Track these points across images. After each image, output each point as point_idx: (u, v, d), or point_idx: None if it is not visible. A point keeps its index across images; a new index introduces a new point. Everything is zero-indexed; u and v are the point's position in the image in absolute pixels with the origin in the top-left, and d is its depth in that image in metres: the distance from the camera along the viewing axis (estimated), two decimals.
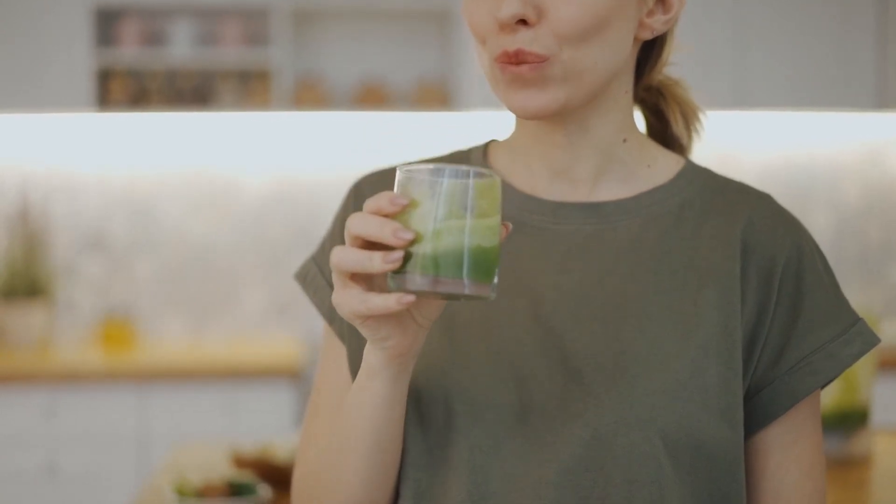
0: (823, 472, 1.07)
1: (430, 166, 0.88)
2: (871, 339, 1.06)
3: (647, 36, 1.05)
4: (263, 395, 3.84)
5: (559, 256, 1.06)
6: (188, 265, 4.37)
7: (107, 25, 4.14)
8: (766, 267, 1.03)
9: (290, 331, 4.39)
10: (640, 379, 0.99)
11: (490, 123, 4.17)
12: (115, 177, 4.32)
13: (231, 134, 4.35)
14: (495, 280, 0.89)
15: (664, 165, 1.10)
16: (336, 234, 1.14)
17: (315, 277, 1.15)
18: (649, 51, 1.11)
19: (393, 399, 0.98)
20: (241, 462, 2.26)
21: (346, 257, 0.88)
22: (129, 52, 4.09)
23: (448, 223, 0.86)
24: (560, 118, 1.05)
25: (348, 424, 1.01)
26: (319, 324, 4.15)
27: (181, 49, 4.16)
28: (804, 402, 1.05)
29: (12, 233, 4.19)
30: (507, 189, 1.10)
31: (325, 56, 4.35)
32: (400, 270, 0.87)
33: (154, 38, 4.18)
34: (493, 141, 1.16)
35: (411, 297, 0.87)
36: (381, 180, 1.14)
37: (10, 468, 3.77)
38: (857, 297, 4.59)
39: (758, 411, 1.04)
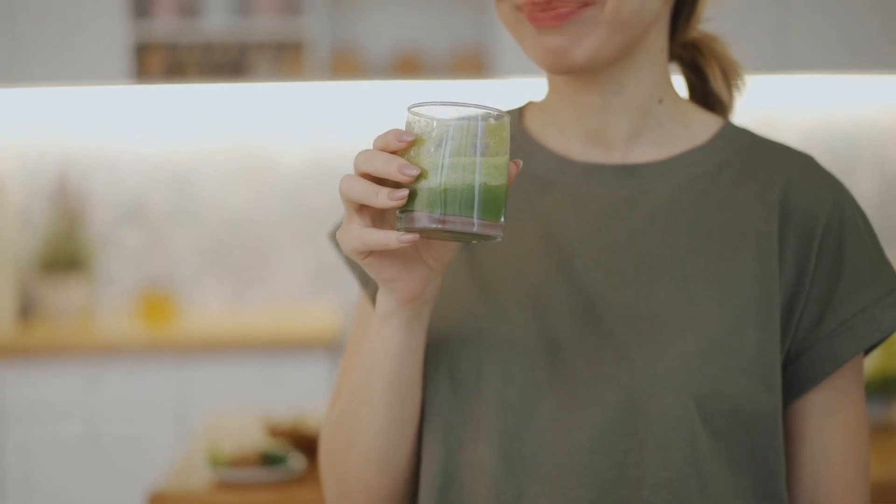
0: (867, 441, 1.04)
1: (438, 104, 0.86)
2: None
3: None
4: (302, 365, 3.84)
5: (592, 217, 1.03)
6: (226, 236, 4.37)
7: None
8: (806, 228, 1.00)
9: (328, 301, 4.39)
10: (673, 342, 0.97)
11: (525, 91, 4.12)
12: (152, 149, 4.33)
13: (268, 105, 4.34)
14: (503, 220, 0.88)
15: (702, 126, 1.07)
16: None
17: None
18: (681, 6, 1.08)
19: (406, 347, 0.97)
20: (275, 432, 2.26)
21: (353, 186, 0.87)
22: (164, 24, 4.09)
23: (455, 160, 0.85)
24: (593, 78, 1.02)
25: (364, 372, 1.00)
26: (357, 295, 4.15)
27: (216, 20, 4.15)
28: (847, 368, 1.02)
29: (52, 206, 4.21)
30: (540, 150, 1.08)
31: (361, 25, 4.32)
32: (407, 209, 0.86)
33: (189, 10, 4.18)
34: (530, 102, 1.13)
35: (411, 236, 0.85)
36: None
37: (53, 438, 3.80)
38: None
39: (799, 376, 1.01)
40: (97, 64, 3.98)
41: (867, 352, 1.04)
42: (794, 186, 1.02)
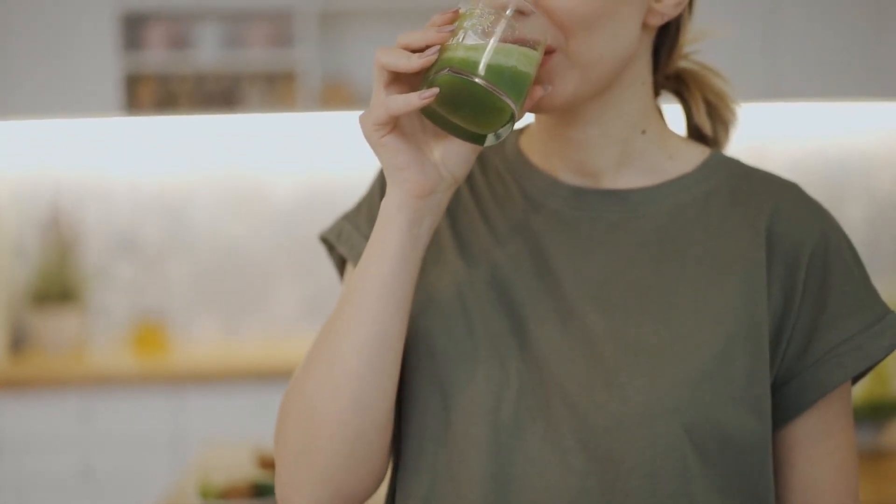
0: (856, 469, 1.05)
1: None
2: None
3: (658, 21, 1.02)
4: None
5: (581, 242, 1.04)
6: (219, 267, 4.38)
7: (134, 30, 4.15)
8: (792, 256, 1.01)
9: None
10: (664, 370, 0.97)
11: None
12: (145, 180, 4.34)
13: (259, 135, 4.35)
14: (521, 104, 0.91)
15: (687, 156, 1.08)
16: (375, 192, 1.12)
17: (350, 235, 1.12)
18: (664, 39, 1.07)
19: (403, 255, 0.96)
20: (266, 462, 2.26)
21: (387, 52, 0.91)
22: (156, 57, 4.10)
23: (490, 42, 0.90)
24: (573, 114, 1.03)
25: (355, 281, 0.98)
26: None
27: (208, 52, 4.17)
28: (834, 396, 1.03)
29: (45, 238, 4.21)
30: (533, 171, 1.09)
31: (351, 56, 4.34)
32: (434, 74, 0.90)
33: (181, 42, 4.19)
34: (530, 123, 1.14)
35: (432, 91, 0.89)
36: None
37: (46, 471, 3.79)
38: (894, 288, 4.53)
39: (786, 403, 1.02)
40: (89, 96, 4.00)
41: (855, 380, 1.05)
42: (781, 215, 1.03)
